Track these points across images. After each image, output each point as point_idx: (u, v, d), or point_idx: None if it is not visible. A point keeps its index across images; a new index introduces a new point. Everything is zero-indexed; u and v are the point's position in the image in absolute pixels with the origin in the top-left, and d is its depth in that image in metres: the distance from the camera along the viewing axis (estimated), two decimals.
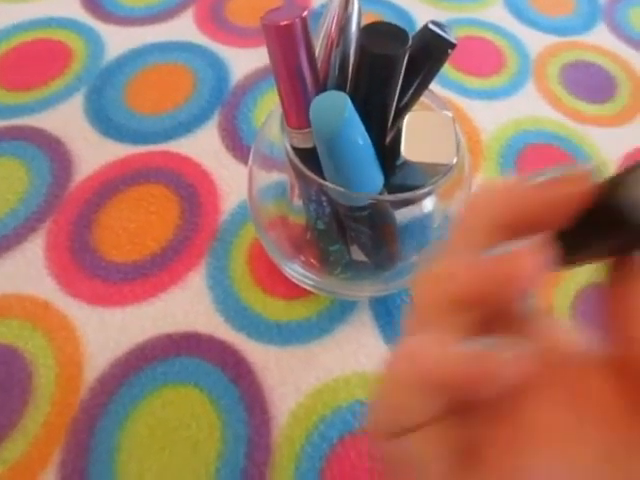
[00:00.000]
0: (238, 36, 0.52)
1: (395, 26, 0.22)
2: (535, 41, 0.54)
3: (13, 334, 0.33)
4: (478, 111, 0.47)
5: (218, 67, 0.49)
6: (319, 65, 0.24)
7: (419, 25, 0.53)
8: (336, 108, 0.21)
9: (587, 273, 0.38)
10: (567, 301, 0.37)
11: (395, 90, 0.24)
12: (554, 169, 0.13)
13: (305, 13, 0.21)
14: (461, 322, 0.13)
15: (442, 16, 0.55)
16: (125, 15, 0.53)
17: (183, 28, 0.52)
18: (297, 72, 0.23)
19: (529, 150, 0.45)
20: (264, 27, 0.21)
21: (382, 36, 0.22)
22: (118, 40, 0.50)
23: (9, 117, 0.44)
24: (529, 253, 0.12)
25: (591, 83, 0.50)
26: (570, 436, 0.13)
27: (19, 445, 0.30)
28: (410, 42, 0.22)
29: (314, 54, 0.23)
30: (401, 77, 0.23)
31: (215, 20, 0.53)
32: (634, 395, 0.13)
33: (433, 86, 0.26)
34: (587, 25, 0.56)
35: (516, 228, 0.13)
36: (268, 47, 0.22)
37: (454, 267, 0.13)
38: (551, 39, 0.54)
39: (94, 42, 0.50)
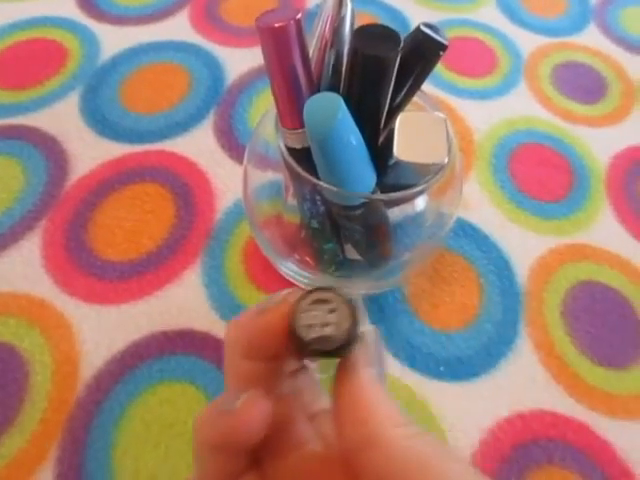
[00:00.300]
0: (233, 36, 0.52)
1: (387, 28, 0.22)
2: (527, 42, 0.54)
3: (10, 332, 0.34)
4: (471, 111, 0.48)
5: (213, 67, 0.49)
6: (313, 66, 0.25)
7: (412, 26, 0.53)
8: (329, 109, 0.21)
9: (577, 271, 0.38)
10: (558, 299, 0.37)
11: (387, 91, 0.24)
12: (269, 298, 0.17)
13: (299, 15, 0.22)
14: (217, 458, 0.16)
15: (435, 17, 0.55)
16: (120, 14, 0.53)
17: (178, 28, 0.52)
18: (291, 73, 0.23)
19: (521, 150, 0.45)
20: (258, 29, 0.22)
21: (375, 38, 0.22)
22: (113, 39, 0.50)
23: (4, 116, 0.44)
24: (244, 413, 0.15)
25: (582, 83, 0.51)
26: None
27: (16, 442, 0.30)
28: (402, 44, 0.22)
29: (308, 55, 0.24)
30: (393, 78, 0.23)
31: (210, 20, 0.53)
32: None
33: (426, 86, 0.26)
34: (578, 26, 0.56)
35: (255, 352, 0.17)
36: (262, 49, 0.23)
37: (204, 417, 0.16)
38: (543, 40, 0.55)
39: (89, 41, 0.50)
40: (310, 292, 0.16)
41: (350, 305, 0.15)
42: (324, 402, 0.22)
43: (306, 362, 0.21)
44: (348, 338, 0.15)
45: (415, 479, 0.14)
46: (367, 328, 0.17)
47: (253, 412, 0.15)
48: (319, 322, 0.15)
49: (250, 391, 0.16)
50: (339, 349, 0.15)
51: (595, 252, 0.40)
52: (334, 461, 0.17)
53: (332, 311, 0.15)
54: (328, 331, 0.15)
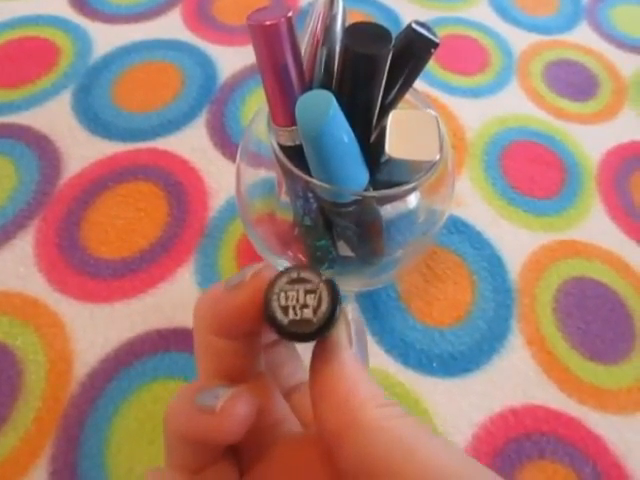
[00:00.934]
0: (226, 34, 0.52)
1: (379, 26, 0.23)
2: (519, 40, 0.54)
3: (3, 331, 0.34)
4: (463, 109, 0.48)
5: (206, 65, 0.49)
6: (305, 63, 0.25)
7: (405, 23, 0.54)
8: (321, 106, 0.21)
9: (569, 267, 0.39)
10: (549, 295, 0.37)
11: (379, 89, 0.24)
12: (239, 273, 0.16)
13: (290, 13, 0.22)
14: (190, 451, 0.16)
15: (428, 15, 0.55)
16: (112, 13, 0.53)
17: (170, 26, 0.52)
18: (283, 71, 0.23)
19: (513, 147, 0.45)
20: (250, 27, 0.22)
21: (366, 36, 0.22)
22: (105, 38, 0.50)
23: None
24: (226, 415, 0.14)
25: (574, 81, 0.51)
26: None
27: (10, 440, 0.30)
28: (393, 42, 0.22)
29: (300, 53, 0.24)
30: (385, 76, 0.24)
31: (202, 18, 0.53)
32: (331, 465, 0.15)
33: (419, 84, 0.26)
34: (570, 24, 0.57)
35: (227, 330, 0.16)
36: (254, 47, 0.23)
37: (177, 406, 0.16)
38: (535, 38, 0.55)
39: (81, 40, 0.50)
40: (286, 270, 0.15)
41: (329, 285, 0.14)
42: (302, 375, 0.21)
43: None
44: (327, 320, 0.14)
45: (399, 464, 0.13)
46: (347, 307, 0.16)
47: (236, 413, 0.14)
48: (297, 303, 0.14)
49: (234, 388, 0.15)
50: (318, 332, 0.14)
51: (586, 248, 0.40)
52: (312, 443, 0.17)
53: (310, 292, 0.14)
54: (306, 313, 0.14)
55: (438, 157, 0.25)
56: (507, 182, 0.43)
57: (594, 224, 0.41)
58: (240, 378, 0.17)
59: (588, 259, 0.39)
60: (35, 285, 0.35)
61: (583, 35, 0.56)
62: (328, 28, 0.25)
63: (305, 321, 0.14)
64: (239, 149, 0.31)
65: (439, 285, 0.37)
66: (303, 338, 0.14)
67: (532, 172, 0.44)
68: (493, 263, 0.39)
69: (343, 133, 0.23)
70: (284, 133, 0.25)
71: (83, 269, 0.36)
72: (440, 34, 0.24)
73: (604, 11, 0.58)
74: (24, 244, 0.37)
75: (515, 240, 0.40)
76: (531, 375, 0.34)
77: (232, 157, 0.43)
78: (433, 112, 0.26)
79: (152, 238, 0.38)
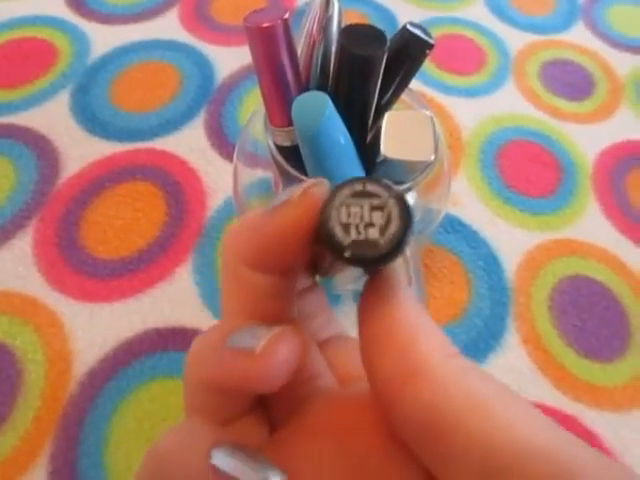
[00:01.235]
0: (223, 34, 0.52)
1: (374, 28, 0.23)
2: (515, 39, 0.55)
3: (2, 330, 0.34)
4: (459, 108, 0.48)
5: (203, 65, 0.49)
6: (301, 64, 0.25)
7: (401, 23, 0.54)
8: (317, 107, 0.22)
9: (564, 266, 0.39)
10: (545, 293, 0.38)
11: (375, 89, 0.24)
12: (283, 192, 0.13)
13: (286, 15, 0.22)
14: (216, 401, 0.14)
15: (424, 15, 0.55)
16: (109, 13, 0.53)
17: (168, 26, 0.52)
18: (279, 72, 0.23)
19: (509, 146, 0.46)
20: (246, 29, 0.22)
21: (361, 37, 0.23)
22: (103, 38, 0.51)
23: None
24: (269, 357, 0.12)
25: (569, 81, 0.52)
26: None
27: (10, 439, 0.30)
28: (388, 43, 0.22)
29: (296, 54, 0.24)
30: (380, 77, 0.24)
31: (200, 19, 0.53)
32: (381, 426, 0.13)
33: (415, 84, 0.27)
34: (566, 24, 0.57)
35: (268, 262, 0.14)
36: (251, 48, 0.23)
37: (204, 351, 0.14)
38: (531, 37, 0.55)
39: (79, 40, 0.50)
40: (349, 182, 0.12)
41: (400, 201, 0.12)
42: (334, 327, 0.19)
43: (317, 278, 0.18)
44: (397, 244, 0.11)
45: (475, 424, 0.10)
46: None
47: (282, 355, 0.12)
48: (360, 221, 0.12)
49: (280, 327, 0.13)
50: (384, 258, 0.12)
51: (582, 247, 0.40)
52: (355, 402, 0.14)
53: (377, 208, 0.12)
54: (372, 233, 0.12)
55: (433, 157, 0.25)
56: (503, 181, 0.43)
57: (589, 223, 0.42)
58: (273, 324, 0.14)
59: (583, 258, 0.40)
60: (34, 285, 0.36)
61: (579, 35, 0.56)
62: (324, 29, 0.25)
63: (370, 242, 0.11)
64: (236, 149, 0.31)
65: (435, 284, 0.38)
66: (366, 263, 0.12)
67: (528, 171, 0.44)
68: (489, 262, 0.39)
69: (339, 133, 0.23)
70: (281, 133, 0.25)
71: (82, 269, 0.37)
72: (436, 34, 0.24)
73: (600, 11, 0.59)
74: (23, 244, 0.37)
75: (511, 239, 0.40)
76: (527, 373, 0.34)
77: (230, 157, 0.43)
78: (428, 112, 0.27)
79: (150, 238, 0.38)
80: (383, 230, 0.11)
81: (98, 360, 0.33)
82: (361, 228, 0.12)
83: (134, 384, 0.32)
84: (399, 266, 0.13)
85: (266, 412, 0.15)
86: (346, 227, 0.12)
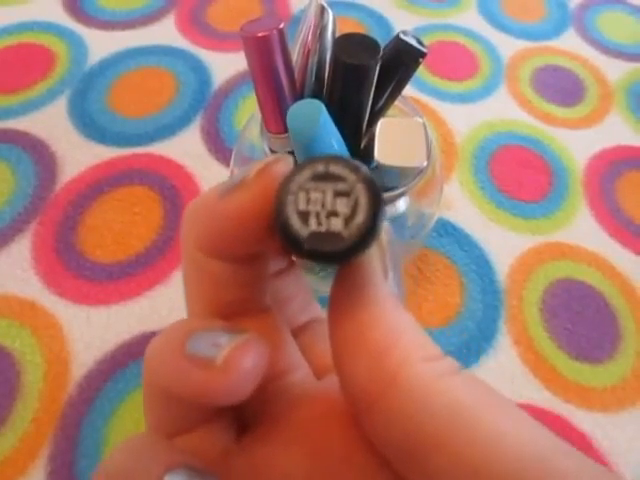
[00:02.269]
0: (219, 40, 0.53)
1: (367, 37, 0.23)
2: (507, 46, 0.55)
3: (1, 333, 0.34)
4: (453, 114, 0.49)
5: (200, 71, 0.50)
6: (296, 72, 0.26)
7: (395, 30, 0.55)
8: (312, 115, 0.22)
9: (556, 269, 0.40)
10: (536, 296, 0.38)
11: (368, 97, 0.25)
12: (242, 169, 0.12)
13: (282, 25, 0.23)
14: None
15: (418, 21, 0.56)
16: (107, 19, 0.53)
17: (165, 32, 0.53)
18: (275, 80, 0.24)
19: (501, 151, 0.46)
20: (243, 38, 0.23)
21: (355, 47, 0.23)
22: (101, 44, 0.51)
23: None
24: (230, 370, 0.11)
25: (561, 86, 0.52)
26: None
27: (9, 440, 0.31)
28: (381, 53, 0.23)
29: (291, 63, 0.25)
30: (374, 85, 0.24)
31: (196, 24, 0.54)
32: (357, 434, 0.12)
33: (409, 90, 0.27)
34: (557, 30, 0.58)
35: (224, 249, 0.12)
36: (247, 57, 0.23)
37: (162, 353, 0.12)
38: (523, 44, 0.56)
39: (77, 46, 0.51)
40: (309, 162, 0.10)
41: (369, 185, 0.10)
42: (313, 310, 0.17)
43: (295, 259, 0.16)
44: (364, 237, 0.10)
45: (456, 439, 0.09)
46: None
47: (244, 368, 0.11)
48: (322, 209, 0.10)
49: (240, 335, 0.11)
50: (349, 252, 0.10)
51: (573, 250, 0.41)
52: (330, 401, 0.13)
53: (342, 194, 0.10)
54: (335, 224, 0.10)
55: (426, 163, 0.26)
56: (496, 186, 0.44)
57: (580, 227, 0.42)
58: (241, 315, 0.14)
59: (574, 261, 0.40)
60: (32, 288, 0.36)
61: (570, 41, 0.57)
62: (319, 38, 0.26)
63: (332, 235, 0.10)
64: (233, 154, 0.32)
65: (428, 287, 0.38)
66: (327, 259, 0.10)
67: (520, 176, 0.45)
68: (481, 265, 0.39)
69: (333, 140, 0.23)
70: (276, 140, 0.26)
71: (80, 272, 0.37)
72: (430, 40, 0.25)
73: (591, 18, 0.59)
74: (22, 247, 0.38)
75: (503, 242, 0.41)
76: (518, 374, 0.35)
77: (226, 161, 0.43)
78: (421, 119, 0.27)
79: (148, 241, 0.39)
80: (348, 220, 0.10)
81: (96, 362, 0.34)
82: (322, 218, 0.10)
83: (132, 386, 0.33)
84: (373, 255, 0.11)
85: (233, 413, 0.14)
86: (304, 216, 0.10)
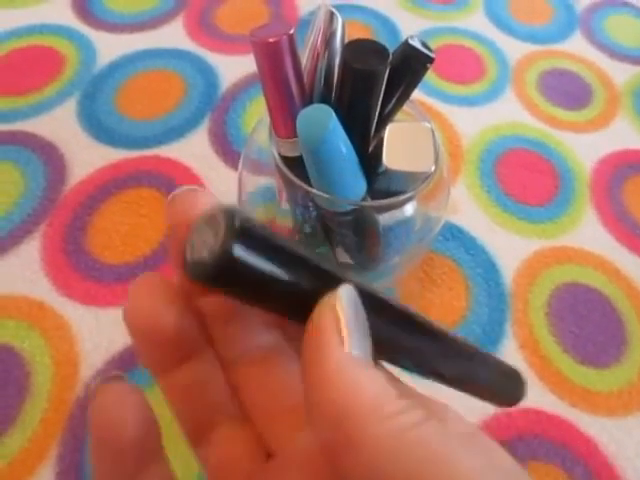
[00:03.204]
0: (227, 43, 0.53)
1: (376, 43, 0.24)
2: (514, 49, 0.55)
3: (10, 334, 0.34)
4: (459, 117, 0.49)
5: (208, 73, 0.50)
6: (305, 76, 0.26)
7: (402, 33, 0.55)
8: (321, 120, 0.22)
9: (562, 273, 0.40)
10: (542, 300, 0.38)
11: (377, 102, 0.25)
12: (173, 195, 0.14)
13: (292, 30, 0.23)
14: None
15: (425, 25, 0.56)
16: (116, 22, 0.54)
17: (173, 35, 0.53)
18: (284, 85, 0.24)
19: (507, 154, 0.46)
20: (252, 44, 0.23)
21: (364, 52, 0.23)
22: (109, 46, 0.51)
23: (3, 122, 0.45)
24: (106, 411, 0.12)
25: (568, 90, 0.52)
26: None
27: (18, 441, 0.31)
28: (390, 58, 0.23)
29: (301, 68, 0.25)
30: (382, 90, 0.25)
31: (204, 27, 0.54)
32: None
33: (416, 93, 0.27)
34: (564, 34, 0.58)
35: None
36: (257, 62, 0.24)
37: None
38: (529, 47, 0.56)
39: (86, 48, 0.51)
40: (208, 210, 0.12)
41: (226, 214, 0.11)
42: (253, 339, 0.16)
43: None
44: (220, 261, 0.11)
45: None
46: (342, 286, 0.12)
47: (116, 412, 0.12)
48: (203, 242, 0.11)
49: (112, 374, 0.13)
50: (212, 276, 0.11)
51: (578, 254, 0.41)
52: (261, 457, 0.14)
53: (211, 225, 0.11)
54: (203, 252, 0.11)
55: (433, 168, 0.26)
56: (502, 189, 0.44)
57: (587, 231, 0.42)
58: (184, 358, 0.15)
59: (580, 265, 0.40)
60: (41, 289, 0.36)
61: (577, 45, 0.57)
62: (328, 43, 0.26)
63: (201, 261, 0.11)
64: (241, 158, 0.32)
65: (435, 290, 0.38)
66: (205, 283, 0.11)
67: (526, 180, 0.45)
68: (488, 269, 0.40)
69: (342, 145, 0.24)
70: (285, 144, 0.26)
71: (88, 273, 0.37)
72: (437, 44, 0.25)
73: (597, 21, 0.59)
74: (31, 249, 0.38)
75: (509, 246, 0.41)
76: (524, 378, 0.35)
77: (233, 164, 0.44)
78: (429, 124, 0.27)
79: (155, 243, 0.39)
80: (212, 247, 0.11)
81: (104, 363, 0.34)
82: (199, 247, 0.11)
83: (140, 386, 0.33)
84: (330, 319, 0.12)
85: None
86: (191, 247, 0.12)
